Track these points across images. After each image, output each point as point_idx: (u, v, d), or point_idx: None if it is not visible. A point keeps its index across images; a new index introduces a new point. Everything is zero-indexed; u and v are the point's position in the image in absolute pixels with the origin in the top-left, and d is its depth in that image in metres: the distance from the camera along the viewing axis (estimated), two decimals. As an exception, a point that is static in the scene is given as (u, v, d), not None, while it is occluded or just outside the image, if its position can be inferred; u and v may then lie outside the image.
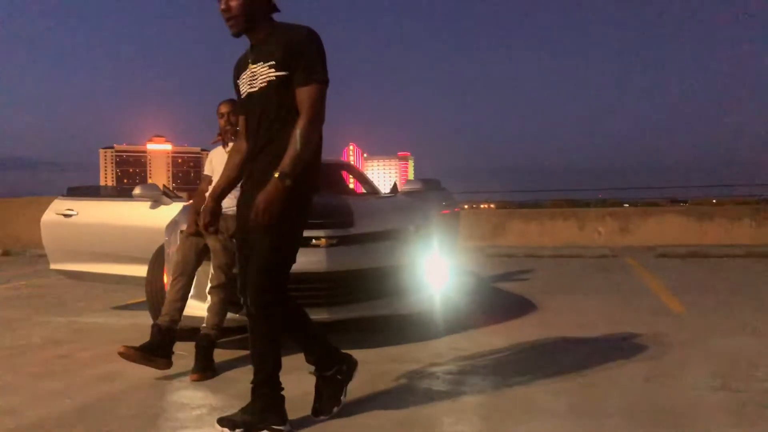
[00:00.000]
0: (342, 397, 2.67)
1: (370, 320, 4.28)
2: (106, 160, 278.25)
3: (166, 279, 3.82)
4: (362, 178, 5.95)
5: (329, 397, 2.65)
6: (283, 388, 2.55)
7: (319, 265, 3.64)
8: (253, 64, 2.48)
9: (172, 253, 3.74)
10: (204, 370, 3.27)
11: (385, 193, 5.62)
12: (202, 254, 3.57)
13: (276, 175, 2.31)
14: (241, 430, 2.43)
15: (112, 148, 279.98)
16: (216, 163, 3.84)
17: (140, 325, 4.52)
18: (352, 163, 6.10)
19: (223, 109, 3.78)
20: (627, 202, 13.48)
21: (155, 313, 4.06)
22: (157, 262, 4.10)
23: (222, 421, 2.48)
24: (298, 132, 2.35)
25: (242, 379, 3.21)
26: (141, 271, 4.31)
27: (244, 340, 4.10)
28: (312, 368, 2.71)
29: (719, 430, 2.40)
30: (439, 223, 4.76)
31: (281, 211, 2.33)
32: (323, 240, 3.70)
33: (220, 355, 3.51)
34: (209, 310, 3.45)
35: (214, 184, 2.74)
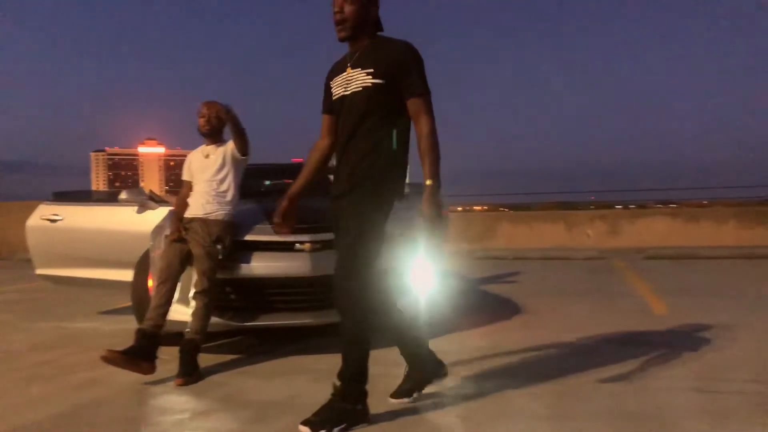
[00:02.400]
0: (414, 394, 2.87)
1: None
2: (97, 163, 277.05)
3: (151, 283, 3.84)
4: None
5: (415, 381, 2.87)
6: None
7: (303, 269, 3.66)
8: (352, 69, 2.64)
9: (157, 258, 3.75)
10: (188, 374, 3.28)
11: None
12: (186, 260, 3.58)
13: (428, 183, 2.46)
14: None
15: (104, 151, 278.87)
16: (195, 168, 3.83)
17: (126, 330, 4.52)
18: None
19: (205, 110, 3.79)
20: (617, 204, 13.53)
21: (141, 318, 4.07)
22: (142, 266, 4.11)
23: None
24: (426, 141, 2.52)
25: (227, 383, 3.23)
26: (127, 276, 4.31)
27: (229, 345, 4.12)
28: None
29: (694, 431, 2.44)
30: (426, 226, 4.78)
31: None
32: (308, 245, 3.72)
33: (204, 360, 3.53)
34: (193, 314, 3.47)
35: (294, 185, 2.85)
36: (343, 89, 2.65)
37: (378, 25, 2.70)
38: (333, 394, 2.55)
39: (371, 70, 2.57)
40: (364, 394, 2.58)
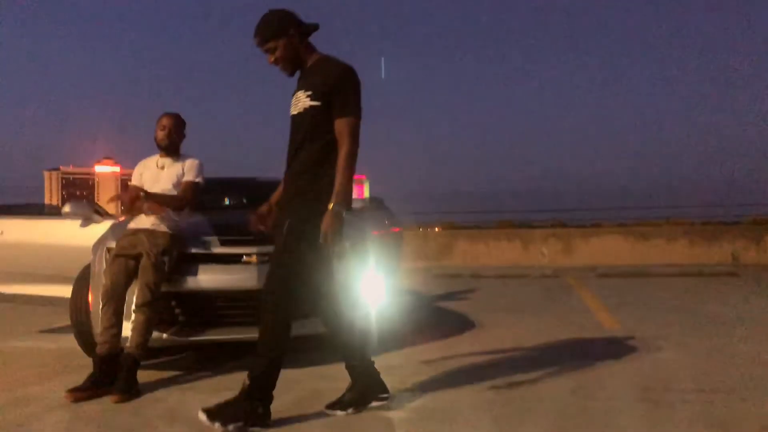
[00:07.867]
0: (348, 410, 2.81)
1: (303, 339, 4.22)
2: (51, 182, 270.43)
3: (91, 298, 3.70)
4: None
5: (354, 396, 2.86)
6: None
7: (250, 282, 3.58)
8: (298, 90, 2.83)
9: (98, 274, 3.62)
10: (126, 390, 3.15)
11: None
12: (132, 274, 3.46)
13: (330, 206, 2.60)
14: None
15: (58, 170, 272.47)
16: (147, 177, 3.75)
17: (64, 349, 4.36)
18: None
19: (165, 121, 3.71)
20: (571, 224, 13.77)
21: (80, 337, 3.91)
22: (81, 283, 3.96)
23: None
24: (341, 163, 2.66)
25: (167, 399, 3.12)
26: (70, 292, 4.15)
27: (169, 362, 3.99)
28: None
29: (635, 439, 2.45)
30: (378, 242, 4.75)
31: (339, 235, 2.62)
32: (254, 257, 3.65)
33: (143, 376, 3.39)
34: (134, 329, 3.33)
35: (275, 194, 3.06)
36: (292, 109, 2.84)
37: (306, 32, 2.81)
38: (240, 392, 2.62)
39: (310, 93, 2.75)
40: (268, 399, 2.64)
